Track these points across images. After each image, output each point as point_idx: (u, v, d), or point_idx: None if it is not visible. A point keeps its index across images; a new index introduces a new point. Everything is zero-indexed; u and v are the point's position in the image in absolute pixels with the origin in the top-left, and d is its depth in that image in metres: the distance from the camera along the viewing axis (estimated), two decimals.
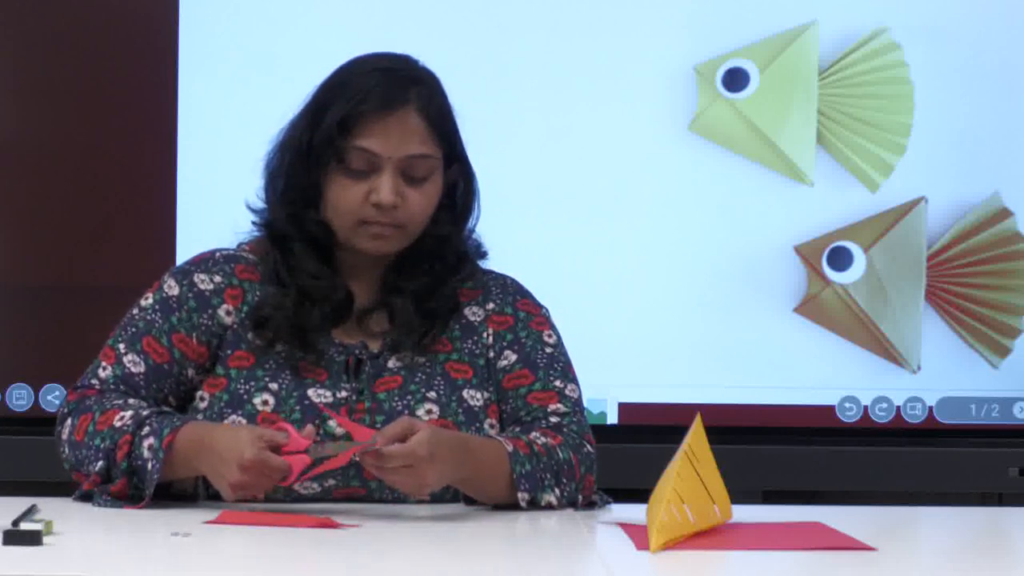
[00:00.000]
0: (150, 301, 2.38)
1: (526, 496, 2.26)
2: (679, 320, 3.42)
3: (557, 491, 2.29)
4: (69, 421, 2.30)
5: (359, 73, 2.36)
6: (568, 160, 3.40)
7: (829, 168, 3.43)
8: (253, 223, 2.42)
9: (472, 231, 2.44)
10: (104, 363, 2.35)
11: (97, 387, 2.33)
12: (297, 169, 2.36)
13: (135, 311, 2.38)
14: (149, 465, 2.21)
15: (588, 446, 2.36)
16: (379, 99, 2.32)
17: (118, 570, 1.85)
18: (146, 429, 2.23)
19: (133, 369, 2.33)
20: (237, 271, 2.40)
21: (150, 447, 2.22)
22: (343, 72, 2.38)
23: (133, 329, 2.36)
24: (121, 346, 2.35)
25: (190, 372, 2.35)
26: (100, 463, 2.24)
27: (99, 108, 3.38)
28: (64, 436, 2.30)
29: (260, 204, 2.42)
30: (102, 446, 2.24)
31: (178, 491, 2.29)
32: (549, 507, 2.28)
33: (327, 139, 2.32)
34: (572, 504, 2.31)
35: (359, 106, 2.32)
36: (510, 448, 2.27)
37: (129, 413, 2.26)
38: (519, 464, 2.26)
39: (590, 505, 2.34)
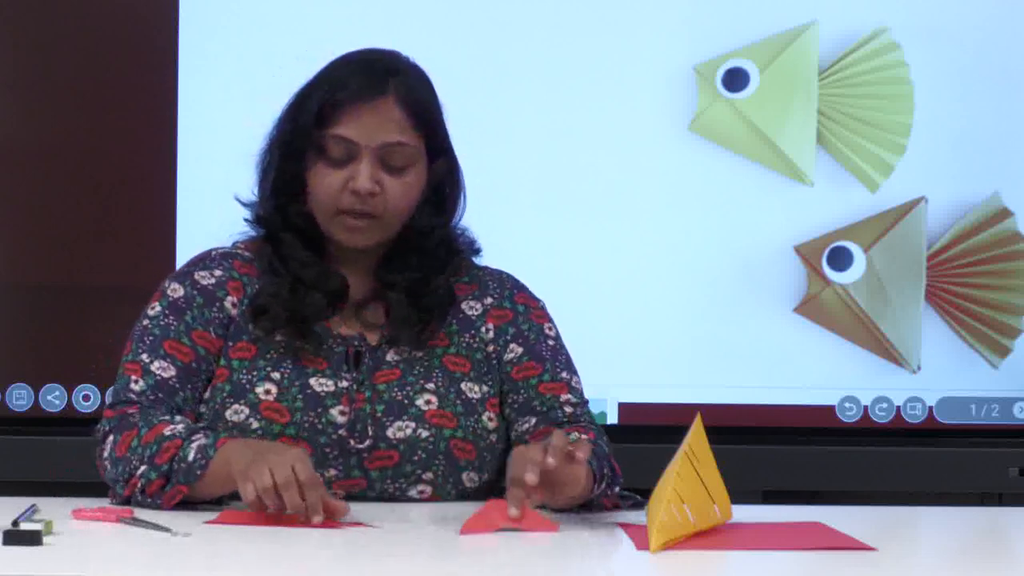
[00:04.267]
0: (158, 309, 2.36)
1: (596, 489, 2.21)
2: (679, 320, 3.42)
3: (610, 486, 2.25)
4: (111, 438, 2.26)
5: (339, 65, 2.39)
6: (568, 160, 3.40)
7: (829, 168, 3.44)
8: (244, 219, 2.43)
9: (458, 225, 2.43)
10: (133, 376, 2.31)
11: (135, 400, 2.30)
12: (283, 163, 2.38)
13: (145, 322, 2.36)
14: (192, 455, 2.16)
15: (605, 436, 2.37)
16: (356, 88, 2.34)
17: (118, 570, 1.85)
18: (198, 435, 2.20)
19: (164, 375, 2.31)
20: (236, 266, 2.41)
21: (199, 447, 2.18)
22: (326, 67, 2.40)
23: (150, 338, 2.34)
24: (144, 356, 2.32)
25: (215, 367, 2.34)
26: (143, 467, 2.20)
27: (99, 108, 3.38)
28: (105, 453, 2.27)
29: (251, 198, 2.43)
30: (145, 454, 2.21)
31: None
32: (603, 507, 2.24)
33: (307, 130, 2.34)
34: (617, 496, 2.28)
35: (336, 95, 2.34)
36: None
37: (181, 426, 2.23)
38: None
39: (636, 506, 2.29)
